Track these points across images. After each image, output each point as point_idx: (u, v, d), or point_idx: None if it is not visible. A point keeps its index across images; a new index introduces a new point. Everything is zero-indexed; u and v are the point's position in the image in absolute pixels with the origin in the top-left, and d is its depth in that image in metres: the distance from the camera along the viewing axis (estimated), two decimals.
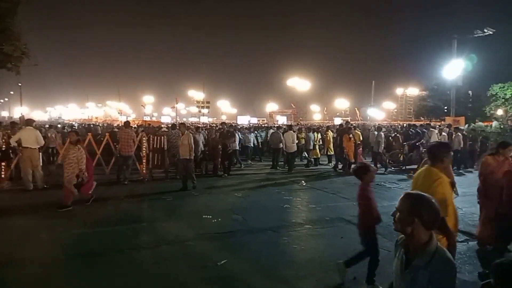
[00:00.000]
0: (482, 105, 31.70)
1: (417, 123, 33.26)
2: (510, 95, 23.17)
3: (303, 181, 11.26)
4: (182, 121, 20.92)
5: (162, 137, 12.10)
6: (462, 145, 14.14)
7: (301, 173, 13.42)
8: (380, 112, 67.01)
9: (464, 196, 9.37)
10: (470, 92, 36.19)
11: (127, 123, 12.25)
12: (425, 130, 16.21)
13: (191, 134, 10.47)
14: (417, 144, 14.65)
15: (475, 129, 17.20)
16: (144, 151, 12.03)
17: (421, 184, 3.41)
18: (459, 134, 14.22)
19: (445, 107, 34.84)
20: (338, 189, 10.33)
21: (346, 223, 7.07)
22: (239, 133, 16.69)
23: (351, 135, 13.47)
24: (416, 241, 1.97)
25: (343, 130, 14.50)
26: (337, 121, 56.68)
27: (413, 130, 16.19)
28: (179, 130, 11.71)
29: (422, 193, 2.07)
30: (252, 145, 16.80)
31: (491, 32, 21.32)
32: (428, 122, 33.69)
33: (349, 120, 26.92)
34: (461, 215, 7.52)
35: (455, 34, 22.08)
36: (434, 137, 14.28)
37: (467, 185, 11.12)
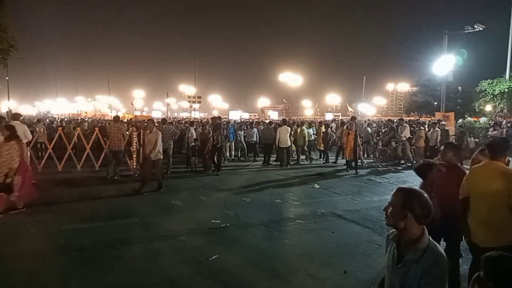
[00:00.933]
0: (471, 101, 32.08)
1: (394, 118, 33.52)
2: (499, 91, 23.43)
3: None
4: (150, 117, 20.10)
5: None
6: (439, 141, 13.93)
7: (293, 169, 13.43)
8: (371, 108, 67.54)
9: None
10: (459, 87, 36.54)
11: (116, 118, 12.17)
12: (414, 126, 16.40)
13: (159, 132, 9.48)
14: (390, 139, 14.71)
15: (463, 125, 17.38)
16: (134, 146, 11.94)
17: (499, 179, 3.27)
18: (438, 129, 14.26)
19: (435, 103, 35.17)
20: (330, 184, 10.38)
21: (337, 217, 7.10)
22: (241, 128, 16.63)
23: (350, 130, 12.49)
24: (408, 236, 1.97)
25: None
26: (329, 116, 56.94)
27: (388, 125, 16.34)
28: (152, 125, 11.92)
29: (415, 188, 2.07)
30: (255, 140, 16.07)
31: (481, 28, 21.51)
32: (415, 118, 34.02)
33: (352, 115, 27.19)
34: None
35: (446, 29, 22.24)
36: (407, 133, 14.31)
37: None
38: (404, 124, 15.00)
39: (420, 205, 1.96)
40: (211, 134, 12.10)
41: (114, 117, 13.03)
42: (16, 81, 60.37)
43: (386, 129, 16.52)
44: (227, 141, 14.98)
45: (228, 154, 15.53)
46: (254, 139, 16.04)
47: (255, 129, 16.36)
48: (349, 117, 18.07)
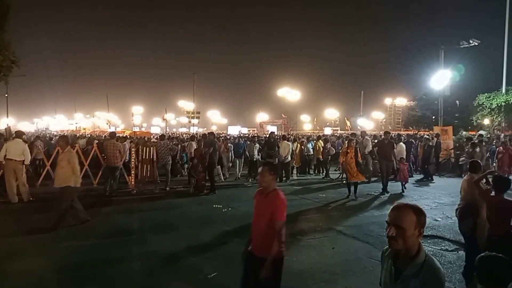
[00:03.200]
0: (469, 115, 32.24)
1: (403, 133, 33.63)
2: (496, 105, 23.58)
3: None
4: (64, 133, 18.80)
5: (152, 148, 11.96)
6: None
7: (292, 185, 13.37)
8: (369, 122, 67.78)
9: (453, 205, 9.45)
10: (457, 101, 36.82)
11: (112, 134, 12.17)
12: (412, 140, 16.41)
13: (73, 153, 7.55)
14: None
15: (462, 138, 17.46)
16: (133, 162, 11.90)
17: None
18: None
19: (433, 117, 35.35)
20: (329, 199, 10.32)
21: (337, 233, 7.04)
22: (244, 143, 15.68)
23: (349, 148, 10.72)
24: (408, 252, 1.94)
25: (382, 142, 11.98)
26: (327, 130, 57.12)
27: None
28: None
29: (412, 204, 2.05)
30: (257, 157, 14.36)
31: (476, 43, 21.79)
32: (414, 132, 34.14)
33: (351, 130, 26.48)
34: (450, 224, 7.57)
35: (442, 44, 22.53)
36: (369, 147, 13.65)
37: (455, 194, 11.23)
38: (366, 137, 14.44)
39: (425, 217, 1.95)
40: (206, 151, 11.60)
41: (110, 133, 13.03)
42: (15, 98, 60.69)
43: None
44: (237, 158, 14.69)
45: (238, 173, 14.54)
46: (256, 156, 14.41)
47: (257, 145, 14.88)
48: (350, 132, 16.89)
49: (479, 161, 5.77)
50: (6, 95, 40.76)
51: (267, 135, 14.68)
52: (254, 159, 14.32)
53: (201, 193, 11.16)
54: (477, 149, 12.46)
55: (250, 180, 13.69)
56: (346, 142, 11.62)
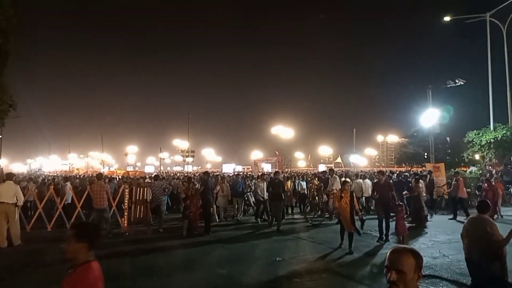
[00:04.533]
0: (460, 151, 32.67)
1: (396, 169, 33.81)
2: (486, 141, 24.01)
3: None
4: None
5: (145, 189, 11.85)
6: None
7: (288, 224, 13.22)
8: (362, 159, 68.29)
9: (450, 243, 9.41)
10: (448, 138, 37.43)
11: (99, 175, 12.06)
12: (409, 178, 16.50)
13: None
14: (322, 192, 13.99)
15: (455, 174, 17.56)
16: (126, 204, 11.75)
17: None
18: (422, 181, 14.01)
19: (425, 153, 35.75)
20: (326, 239, 10.19)
21: (334, 274, 6.92)
22: (250, 182, 15.45)
23: (343, 193, 9.00)
24: None
25: (378, 184, 10.48)
26: (321, 167, 57.25)
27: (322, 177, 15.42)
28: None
29: (409, 247, 2.07)
30: (264, 198, 13.07)
31: (462, 83, 22.58)
32: (406, 168, 34.37)
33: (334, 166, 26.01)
34: (448, 263, 7.49)
35: (429, 84, 23.35)
36: (337, 185, 13.28)
37: (451, 231, 11.18)
38: (334, 176, 14.12)
39: (422, 259, 1.97)
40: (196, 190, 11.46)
41: (97, 174, 12.93)
42: (8, 139, 60.54)
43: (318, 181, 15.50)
44: (236, 198, 14.14)
45: (237, 213, 14.02)
46: (264, 197, 13.10)
47: (265, 183, 13.46)
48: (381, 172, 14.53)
49: (487, 201, 5.73)
50: (0, 135, 40.79)
51: (272, 175, 13.32)
52: (262, 199, 13.12)
53: (195, 232, 10.91)
54: (420, 184, 12.99)
55: (259, 221, 13.16)
56: (342, 185, 9.72)
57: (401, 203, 10.18)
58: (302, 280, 6.61)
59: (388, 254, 1.98)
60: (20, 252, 8.75)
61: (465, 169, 25.30)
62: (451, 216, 13.82)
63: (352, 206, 8.71)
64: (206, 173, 13.57)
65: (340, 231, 9.05)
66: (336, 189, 12.76)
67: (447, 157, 33.63)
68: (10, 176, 10.19)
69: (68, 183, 13.97)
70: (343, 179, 14.74)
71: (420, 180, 13.56)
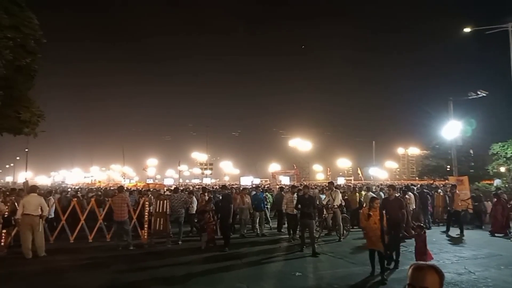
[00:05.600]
0: (484, 164, 31.77)
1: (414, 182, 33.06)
2: (511, 154, 23.30)
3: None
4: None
5: (165, 201, 12.00)
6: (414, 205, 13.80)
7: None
8: (382, 172, 67.13)
9: (475, 259, 9.11)
10: (471, 151, 36.42)
11: (120, 188, 12.26)
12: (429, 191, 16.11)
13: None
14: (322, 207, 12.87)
15: (479, 188, 17.11)
16: (146, 216, 11.91)
17: None
18: (410, 193, 14.01)
19: (448, 166, 34.88)
20: (345, 254, 10.02)
21: None
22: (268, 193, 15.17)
23: (372, 210, 7.88)
24: None
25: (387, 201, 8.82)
26: (341, 180, 56.55)
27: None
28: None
29: (431, 264, 2.03)
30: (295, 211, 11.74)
31: (484, 94, 22.07)
32: (428, 182, 33.63)
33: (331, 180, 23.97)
34: (474, 280, 7.24)
35: (450, 96, 22.87)
36: (338, 200, 12.69)
37: (476, 246, 10.83)
38: (334, 189, 13.35)
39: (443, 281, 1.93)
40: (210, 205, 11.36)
41: (118, 187, 13.17)
42: (34, 152, 62.45)
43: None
44: (257, 211, 13.56)
45: (258, 227, 13.57)
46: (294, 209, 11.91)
47: (295, 195, 12.46)
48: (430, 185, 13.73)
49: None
50: (26, 150, 42.22)
51: (300, 189, 11.87)
52: (291, 212, 12.21)
53: (211, 244, 10.88)
54: (407, 196, 13.24)
55: (292, 239, 12.15)
56: (370, 201, 8.44)
57: (422, 225, 8.94)
58: None
59: (410, 271, 1.91)
60: (43, 262, 8.95)
61: (489, 182, 24.53)
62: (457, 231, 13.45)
63: (381, 227, 7.66)
64: (225, 186, 13.50)
65: (369, 256, 7.94)
66: (336, 205, 12.44)
67: (471, 170, 32.68)
68: (34, 189, 10.49)
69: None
70: (366, 193, 14.66)
71: (409, 192, 13.86)
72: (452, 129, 22.24)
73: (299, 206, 10.67)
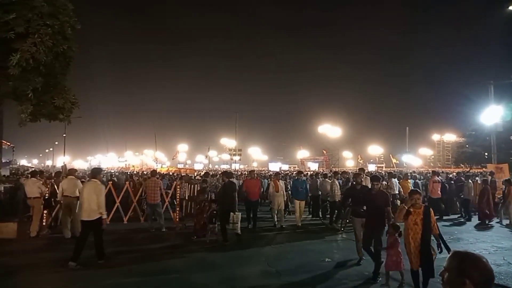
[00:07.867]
0: None
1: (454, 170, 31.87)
2: None
3: None
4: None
5: (196, 185, 12.23)
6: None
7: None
8: (416, 159, 65.10)
9: None
10: (511, 137, 34.68)
11: (153, 172, 12.61)
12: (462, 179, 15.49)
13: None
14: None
15: None
16: (178, 200, 12.19)
17: None
18: (470, 181, 14.26)
19: (485, 154, 33.41)
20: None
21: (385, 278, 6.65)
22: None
23: (413, 207, 5.68)
24: None
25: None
26: (371, 167, 55.46)
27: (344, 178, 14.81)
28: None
29: (470, 251, 1.94)
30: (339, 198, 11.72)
31: None
32: (464, 169, 32.35)
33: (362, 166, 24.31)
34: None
35: (491, 79, 21.68)
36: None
37: None
38: (334, 179, 12.91)
39: (478, 271, 1.83)
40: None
41: (151, 171, 13.53)
42: (71, 137, 65.22)
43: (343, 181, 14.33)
44: (300, 199, 12.15)
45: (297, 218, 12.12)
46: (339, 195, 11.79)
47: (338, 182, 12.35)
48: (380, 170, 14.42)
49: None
50: (64, 135, 44.08)
51: (352, 179, 10.22)
52: (334, 200, 11.82)
53: (194, 237, 9.91)
54: (392, 179, 13.88)
55: (341, 229, 11.14)
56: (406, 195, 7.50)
57: (397, 225, 6.31)
58: (354, 282, 6.44)
59: (448, 258, 1.94)
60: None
61: None
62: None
63: (426, 229, 5.51)
64: (225, 173, 11.33)
65: (412, 276, 5.75)
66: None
67: (511, 158, 31.15)
68: (72, 172, 10.96)
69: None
70: (395, 180, 14.20)
71: (392, 179, 14.04)
72: (492, 114, 21.14)
73: (350, 200, 8.63)
